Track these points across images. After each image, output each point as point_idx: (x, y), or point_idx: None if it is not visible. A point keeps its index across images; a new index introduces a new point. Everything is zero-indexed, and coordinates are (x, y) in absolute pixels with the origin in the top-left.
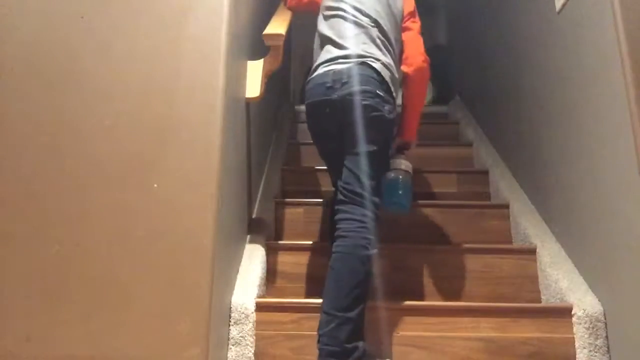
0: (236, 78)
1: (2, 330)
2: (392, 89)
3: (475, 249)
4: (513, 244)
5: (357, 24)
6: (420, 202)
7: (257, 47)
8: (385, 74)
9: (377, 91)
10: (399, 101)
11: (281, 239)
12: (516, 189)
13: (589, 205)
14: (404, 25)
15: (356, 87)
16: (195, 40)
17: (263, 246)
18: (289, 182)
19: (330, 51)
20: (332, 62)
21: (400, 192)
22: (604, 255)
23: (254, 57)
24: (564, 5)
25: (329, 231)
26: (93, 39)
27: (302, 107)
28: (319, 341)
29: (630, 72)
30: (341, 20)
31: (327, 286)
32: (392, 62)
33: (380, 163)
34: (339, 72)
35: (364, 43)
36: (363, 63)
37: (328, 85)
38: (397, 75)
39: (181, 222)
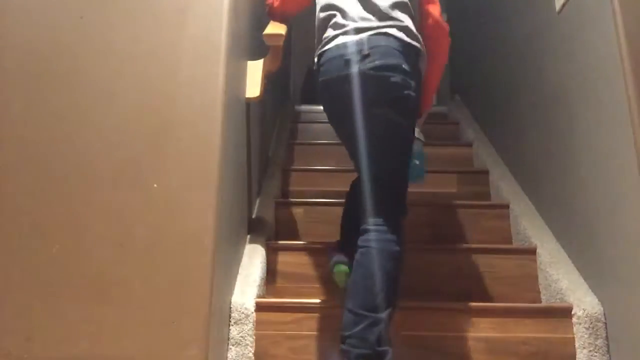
0: (236, 78)
1: (2, 330)
2: (419, 61)
3: (475, 249)
4: (513, 244)
5: None
6: (420, 202)
7: (257, 47)
8: (412, 45)
9: (403, 66)
10: None
11: (281, 239)
12: (516, 189)
13: (589, 205)
14: None
15: (379, 60)
16: (195, 40)
17: (263, 246)
18: (289, 182)
19: (344, 18)
20: (348, 32)
21: (417, 163)
22: (604, 255)
23: (254, 57)
24: (564, 5)
25: (346, 220)
26: (93, 39)
27: (302, 107)
28: (344, 342)
29: (630, 72)
30: None
31: (354, 283)
32: (416, 29)
33: (406, 147)
34: (359, 42)
35: (384, 5)
36: (386, 33)
37: (346, 58)
38: (423, 47)
39: (181, 222)
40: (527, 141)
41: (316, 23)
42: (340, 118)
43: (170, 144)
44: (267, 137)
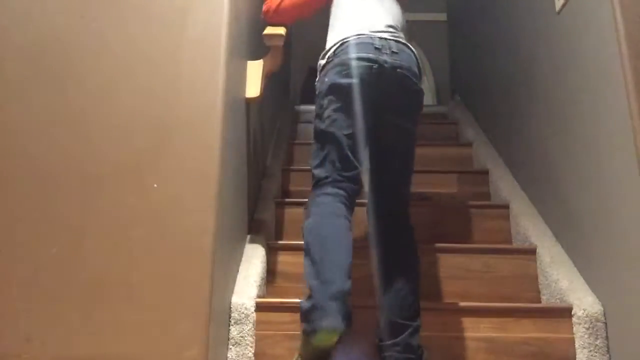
0: (236, 78)
1: (2, 330)
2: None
3: (475, 249)
4: (513, 244)
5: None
6: (421, 202)
7: (257, 47)
8: (419, 62)
9: (420, 77)
10: None
11: (281, 239)
12: (516, 189)
13: (589, 205)
14: None
15: (406, 63)
16: (196, 41)
17: (263, 246)
18: (289, 182)
19: (366, 20)
20: (373, 32)
21: None
22: (604, 255)
23: (254, 57)
24: (564, 5)
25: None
26: (93, 39)
27: (302, 107)
28: (388, 349)
29: (630, 72)
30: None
31: (387, 293)
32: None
33: (413, 156)
34: (387, 40)
35: (392, 21)
36: (407, 45)
37: (377, 46)
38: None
39: (181, 222)
40: (527, 141)
41: (330, 28)
42: (354, 102)
43: (170, 144)
44: (267, 137)
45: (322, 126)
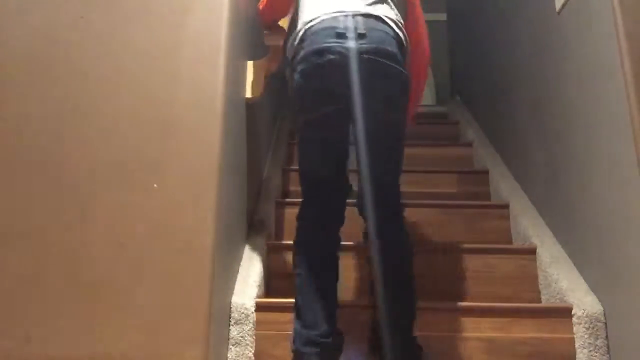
0: (236, 78)
1: (2, 330)
2: (407, 54)
3: (475, 249)
4: (513, 244)
5: None
6: (420, 202)
7: (257, 47)
8: (401, 37)
9: (398, 57)
10: None
11: (281, 239)
12: (516, 189)
13: (589, 205)
14: None
15: (378, 45)
16: (195, 40)
17: (263, 246)
18: (289, 182)
19: (327, 4)
20: (337, 12)
21: None
22: (604, 255)
23: (254, 57)
24: (564, 5)
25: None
26: (92, 39)
27: None
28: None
29: (630, 72)
30: None
31: (394, 301)
32: (402, 23)
33: (402, 146)
34: (353, 20)
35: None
36: (379, 17)
37: (339, 31)
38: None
39: (181, 222)
40: (527, 141)
41: (293, 15)
42: (320, 98)
43: (170, 144)
44: (267, 136)
45: (299, 133)
